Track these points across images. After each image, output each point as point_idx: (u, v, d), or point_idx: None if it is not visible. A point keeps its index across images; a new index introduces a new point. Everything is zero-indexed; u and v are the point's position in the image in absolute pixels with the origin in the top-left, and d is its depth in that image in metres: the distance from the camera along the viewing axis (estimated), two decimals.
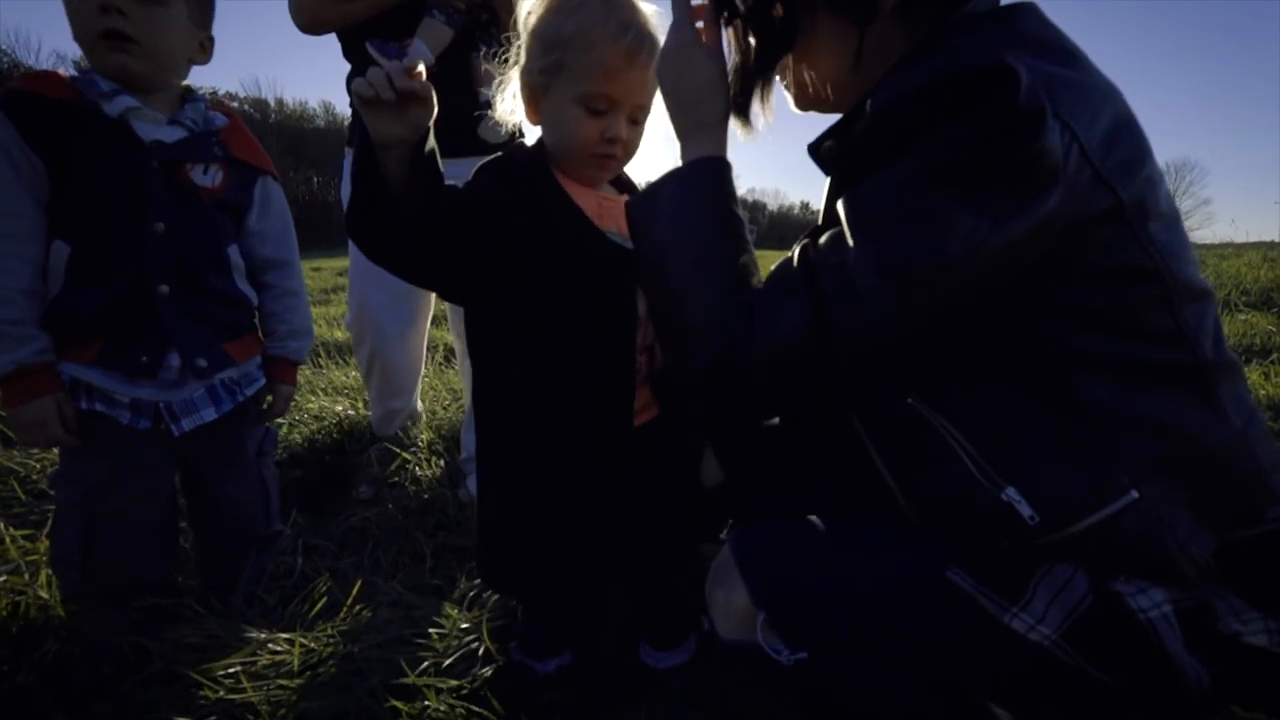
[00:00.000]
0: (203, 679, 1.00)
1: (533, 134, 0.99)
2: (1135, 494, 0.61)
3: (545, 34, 0.86)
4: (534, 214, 0.87)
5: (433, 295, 1.90)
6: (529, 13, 0.90)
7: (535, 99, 0.89)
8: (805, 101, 0.82)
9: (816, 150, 0.78)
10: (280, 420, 2.02)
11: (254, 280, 1.26)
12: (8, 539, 1.33)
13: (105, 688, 1.07)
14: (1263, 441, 0.65)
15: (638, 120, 0.92)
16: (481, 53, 1.78)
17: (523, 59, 0.91)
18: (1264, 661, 0.63)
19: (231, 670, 1.02)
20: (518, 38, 0.92)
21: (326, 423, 2.25)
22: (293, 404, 1.80)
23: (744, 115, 0.80)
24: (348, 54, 1.82)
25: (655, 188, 0.77)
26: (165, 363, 1.10)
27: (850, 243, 0.62)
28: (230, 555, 1.29)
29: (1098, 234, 0.60)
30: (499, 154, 0.94)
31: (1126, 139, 0.62)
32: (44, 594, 1.22)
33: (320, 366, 3.09)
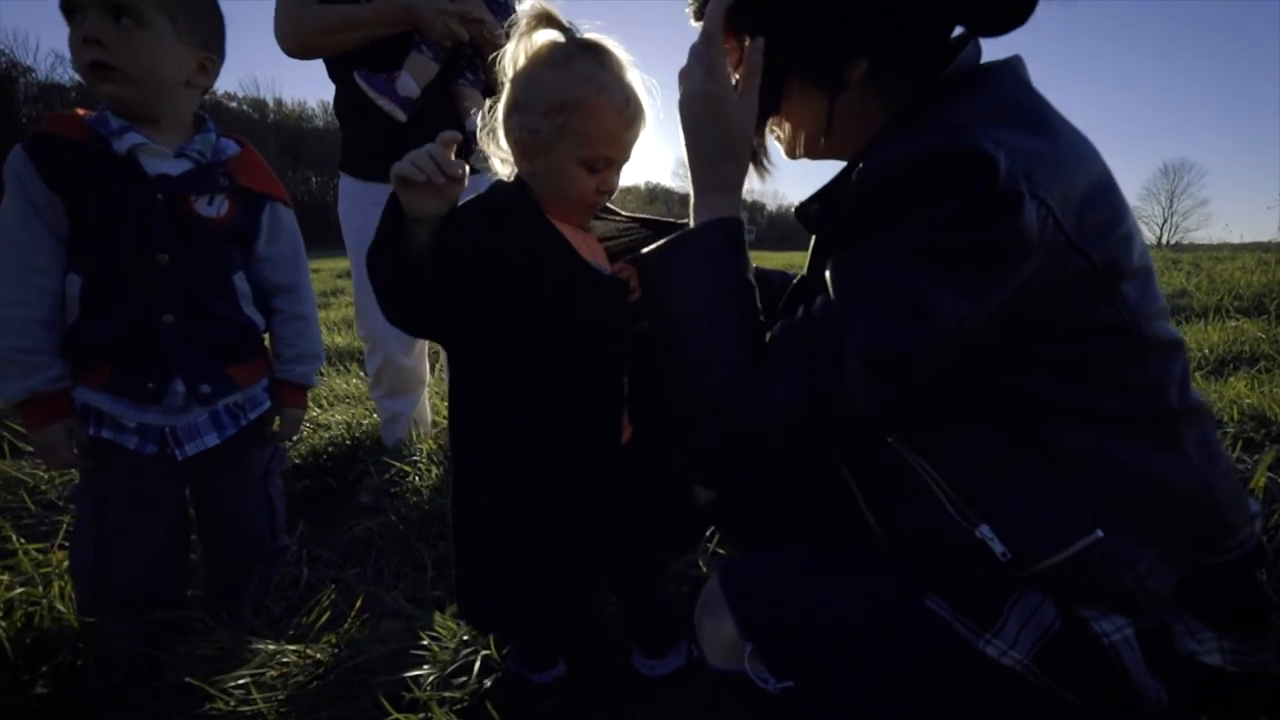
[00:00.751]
0: (212, 690, 1.03)
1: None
2: (1099, 533, 0.64)
3: (547, 95, 0.87)
4: (525, 248, 0.90)
5: None
6: (518, 61, 0.91)
7: (531, 153, 0.92)
8: (789, 153, 0.85)
9: (803, 212, 0.81)
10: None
11: (263, 304, 1.28)
12: (21, 552, 1.37)
13: (118, 698, 1.11)
14: (1224, 480, 0.68)
15: (620, 169, 0.96)
16: (466, 81, 1.82)
17: (509, 108, 0.92)
18: (1220, 680, 0.67)
19: (240, 681, 1.05)
20: (504, 81, 0.93)
21: (332, 431, 2.28)
22: None
23: (760, 163, 0.85)
24: (332, 74, 1.86)
25: (671, 252, 0.77)
26: (170, 389, 1.13)
27: (840, 323, 0.64)
28: (237, 570, 1.32)
29: (1072, 293, 0.63)
30: (478, 194, 0.95)
31: (1100, 203, 0.64)
32: (58, 605, 1.26)
33: (321, 374, 3.11)
